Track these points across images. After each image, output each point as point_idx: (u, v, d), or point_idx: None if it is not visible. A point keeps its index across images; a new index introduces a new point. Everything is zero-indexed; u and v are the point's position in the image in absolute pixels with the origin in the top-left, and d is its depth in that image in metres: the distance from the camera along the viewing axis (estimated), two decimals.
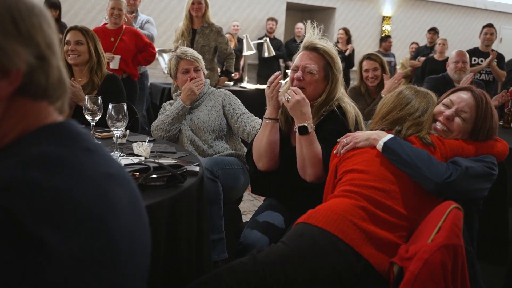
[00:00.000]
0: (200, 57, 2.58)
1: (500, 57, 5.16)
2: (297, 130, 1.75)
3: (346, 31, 7.01)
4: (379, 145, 1.56)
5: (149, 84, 5.36)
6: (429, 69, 5.73)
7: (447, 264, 1.12)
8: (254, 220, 1.96)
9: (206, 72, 2.61)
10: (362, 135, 1.63)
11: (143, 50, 4.30)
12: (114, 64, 4.05)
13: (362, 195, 1.47)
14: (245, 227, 1.95)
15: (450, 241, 1.13)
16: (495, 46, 10.85)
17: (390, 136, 1.57)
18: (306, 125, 1.72)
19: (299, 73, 1.83)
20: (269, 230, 1.86)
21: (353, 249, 1.35)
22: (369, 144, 1.60)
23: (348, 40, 6.98)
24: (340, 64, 1.89)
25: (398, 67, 7.77)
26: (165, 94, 5.01)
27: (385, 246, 1.37)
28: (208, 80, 2.63)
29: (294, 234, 1.42)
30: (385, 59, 7.19)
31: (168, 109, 2.59)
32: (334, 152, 1.69)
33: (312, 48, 1.85)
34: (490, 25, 5.17)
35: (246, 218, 3.03)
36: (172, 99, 2.73)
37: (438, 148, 1.57)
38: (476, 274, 1.54)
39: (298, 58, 1.87)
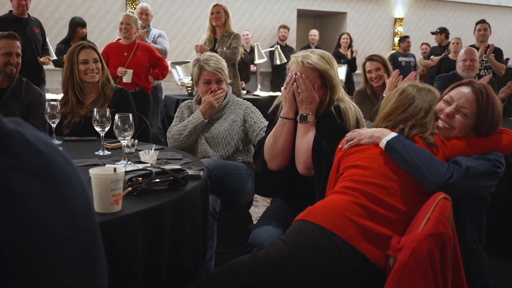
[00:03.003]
0: (224, 66, 2.54)
1: (497, 50, 5.13)
2: (298, 118, 1.86)
3: (350, 36, 7.35)
4: (382, 143, 1.58)
5: (163, 96, 5.47)
6: (445, 69, 5.70)
7: (435, 252, 1.16)
8: (262, 222, 2.01)
9: (229, 80, 2.59)
10: (366, 132, 1.66)
11: (156, 64, 4.42)
12: (127, 78, 4.16)
13: (361, 191, 1.50)
14: (253, 229, 2.00)
15: (437, 230, 1.17)
16: (511, 41, 10.74)
17: (393, 134, 1.59)
18: (306, 114, 1.84)
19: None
20: (277, 231, 1.91)
21: (350, 244, 1.37)
22: (372, 141, 1.62)
23: (350, 45, 7.26)
24: (335, 66, 1.94)
25: (419, 67, 7.75)
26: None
27: (382, 241, 1.39)
28: (230, 88, 2.62)
29: (293, 232, 1.47)
30: (404, 59, 7.33)
31: (186, 115, 2.60)
32: (339, 146, 1.72)
33: (304, 65, 1.89)
34: (483, 21, 5.24)
35: None
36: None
37: (440, 148, 1.58)
38: (482, 270, 1.56)
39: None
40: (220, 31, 4.48)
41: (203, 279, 1.48)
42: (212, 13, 4.42)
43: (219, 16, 4.40)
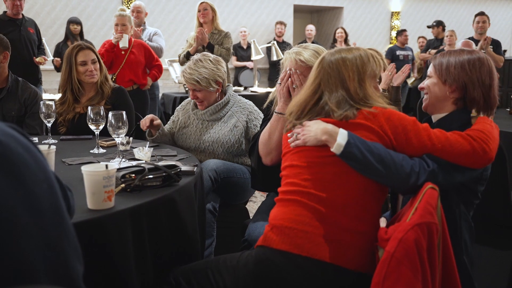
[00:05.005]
0: (200, 75, 2.38)
1: (495, 42, 5.14)
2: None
3: (345, 31, 7.39)
4: (337, 150, 1.39)
5: (161, 94, 5.49)
6: None
7: (422, 242, 1.17)
8: (258, 217, 2.02)
9: (215, 86, 2.44)
10: (309, 132, 1.47)
11: (151, 65, 4.44)
12: (124, 42, 4.12)
13: (302, 193, 1.45)
14: (249, 224, 2.02)
15: (423, 220, 1.18)
16: (509, 33, 10.73)
17: (344, 136, 1.39)
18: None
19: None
20: None
21: (313, 259, 1.36)
22: (320, 144, 1.44)
23: (346, 39, 7.31)
24: None
25: (416, 60, 7.75)
26: (177, 103, 5.13)
27: (343, 241, 1.38)
28: (231, 88, 2.57)
29: (260, 261, 1.43)
30: (402, 53, 7.34)
31: (181, 120, 2.57)
32: (288, 141, 1.55)
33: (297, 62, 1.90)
34: (481, 13, 5.24)
35: None
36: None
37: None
38: (471, 261, 1.57)
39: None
40: (209, 28, 4.50)
41: (192, 267, 1.51)
42: (199, 10, 4.46)
43: (206, 13, 4.43)
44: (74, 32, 5.53)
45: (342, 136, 1.39)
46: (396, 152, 1.43)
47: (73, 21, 5.55)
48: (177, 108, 2.68)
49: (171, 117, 2.66)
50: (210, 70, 2.42)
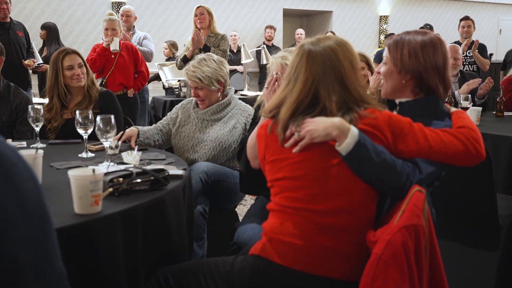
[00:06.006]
0: (203, 75, 2.43)
1: (481, 46, 5.21)
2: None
3: (334, 34, 7.31)
4: (345, 149, 1.32)
5: (151, 98, 5.48)
6: None
7: (409, 244, 1.18)
8: (247, 220, 2.02)
9: (217, 85, 2.49)
10: (317, 126, 1.35)
11: (136, 70, 4.42)
12: (114, 45, 4.13)
13: (304, 209, 1.37)
14: (238, 227, 2.02)
15: (410, 222, 1.19)
16: (494, 37, 10.87)
17: (355, 135, 1.32)
18: None
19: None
20: (261, 228, 1.92)
21: (309, 274, 1.33)
22: (329, 139, 1.34)
23: None
24: None
25: None
26: (167, 106, 5.13)
27: (342, 252, 1.35)
28: (232, 90, 2.59)
29: (257, 272, 1.38)
30: None
31: (180, 118, 2.57)
32: (285, 145, 1.41)
33: (283, 66, 1.90)
34: (466, 18, 5.31)
35: None
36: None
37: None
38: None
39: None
40: (205, 32, 4.49)
41: (182, 267, 1.50)
42: (196, 15, 4.42)
43: (203, 18, 4.41)
44: (41, 38, 5.60)
45: (352, 135, 1.32)
46: (395, 157, 1.38)
47: (41, 27, 5.63)
48: (177, 105, 2.68)
49: (168, 114, 2.66)
50: (213, 69, 2.47)
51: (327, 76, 1.40)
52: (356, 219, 1.36)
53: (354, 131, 1.33)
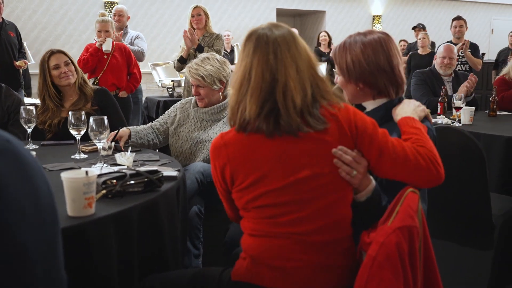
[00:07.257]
0: (205, 73, 2.44)
1: (473, 46, 5.22)
2: None
3: (328, 34, 7.46)
4: (363, 196, 1.36)
5: (144, 98, 5.45)
6: (414, 64, 5.88)
7: (403, 245, 1.18)
8: None
9: (219, 85, 2.48)
10: (360, 169, 1.32)
11: (128, 71, 4.41)
12: (107, 45, 4.11)
13: (285, 233, 1.31)
14: (230, 227, 2.02)
15: (404, 223, 1.19)
16: (486, 37, 10.94)
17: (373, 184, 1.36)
18: None
19: None
20: None
21: None
22: (360, 187, 1.35)
23: (330, 42, 7.38)
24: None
25: None
26: (160, 107, 5.11)
27: (329, 265, 1.33)
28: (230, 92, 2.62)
29: None
30: None
31: (179, 118, 2.58)
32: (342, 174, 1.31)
33: None
34: (458, 18, 5.31)
35: None
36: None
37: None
38: None
39: None
40: (201, 32, 4.47)
41: (170, 274, 1.49)
42: (192, 16, 4.37)
43: (200, 19, 4.36)
44: None
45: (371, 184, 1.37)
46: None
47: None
48: (175, 105, 2.67)
49: (166, 112, 2.65)
50: (216, 68, 2.47)
51: (287, 68, 1.37)
52: (340, 231, 1.34)
53: (373, 181, 1.37)
